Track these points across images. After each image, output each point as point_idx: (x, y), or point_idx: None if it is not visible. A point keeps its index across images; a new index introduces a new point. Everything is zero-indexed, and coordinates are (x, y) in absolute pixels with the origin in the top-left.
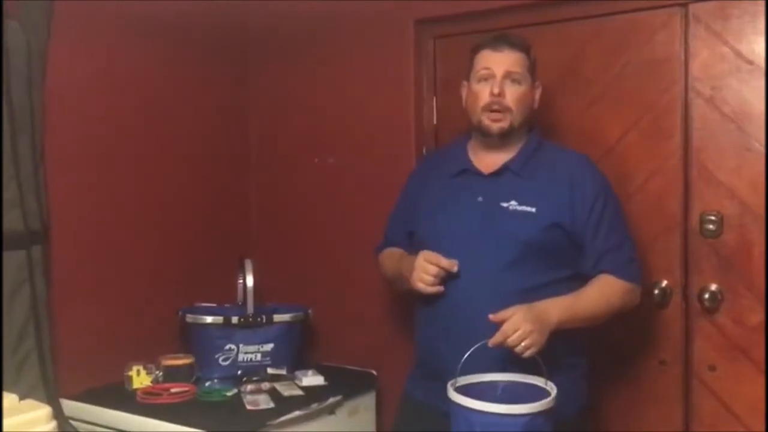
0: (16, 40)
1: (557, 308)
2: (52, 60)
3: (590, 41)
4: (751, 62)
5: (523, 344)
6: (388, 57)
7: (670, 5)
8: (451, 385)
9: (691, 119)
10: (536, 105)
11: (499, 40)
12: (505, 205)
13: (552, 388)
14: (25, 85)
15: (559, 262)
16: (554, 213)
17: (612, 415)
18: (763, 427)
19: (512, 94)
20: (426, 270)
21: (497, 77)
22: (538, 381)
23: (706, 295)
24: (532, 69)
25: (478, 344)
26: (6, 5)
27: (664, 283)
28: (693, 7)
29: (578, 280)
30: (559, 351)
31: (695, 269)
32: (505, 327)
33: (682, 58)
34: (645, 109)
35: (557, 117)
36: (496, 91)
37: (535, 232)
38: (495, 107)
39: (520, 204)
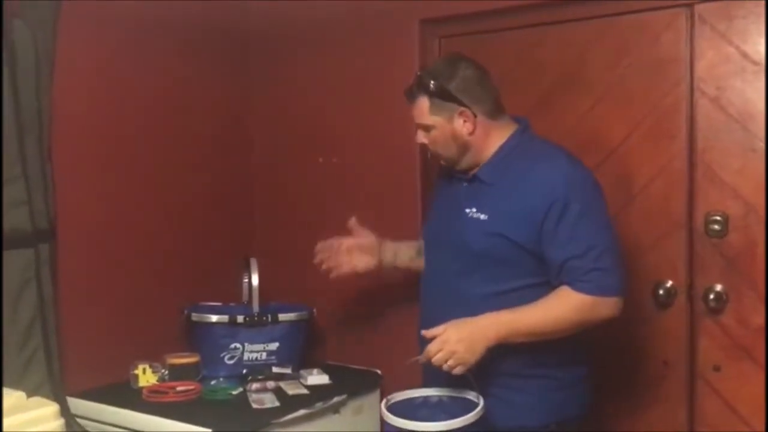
0: (24, 39)
1: (497, 324)
2: (59, 60)
3: (595, 42)
4: (756, 63)
5: (447, 364)
6: (393, 57)
7: (675, 6)
8: (385, 402)
9: (695, 120)
10: (467, 130)
11: (405, 93)
12: (467, 211)
13: (480, 403)
14: (33, 84)
15: (521, 270)
16: (501, 222)
17: (615, 415)
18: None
19: (428, 141)
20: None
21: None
22: (470, 395)
23: (711, 296)
24: (444, 101)
25: (411, 360)
26: (13, 5)
27: (669, 283)
28: (698, 8)
29: (550, 286)
30: (520, 364)
31: (700, 270)
32: (429, 347)
33: (687, 58)
34: (649, 110)
35: (560, 118)
36: (417, 142)
37: (481, 240)
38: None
39: (477, 211)
